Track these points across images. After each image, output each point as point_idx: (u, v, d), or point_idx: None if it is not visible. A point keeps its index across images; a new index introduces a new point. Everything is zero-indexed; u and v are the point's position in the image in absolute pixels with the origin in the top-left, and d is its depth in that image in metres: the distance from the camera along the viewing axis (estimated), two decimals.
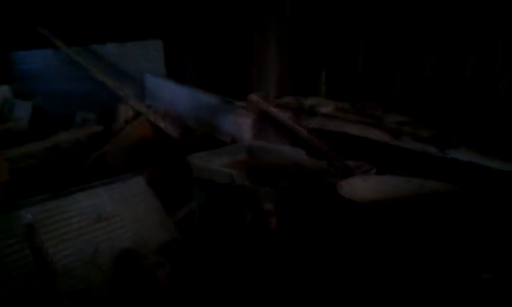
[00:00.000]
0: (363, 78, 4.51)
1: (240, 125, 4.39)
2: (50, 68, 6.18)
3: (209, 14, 5.70)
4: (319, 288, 2.85)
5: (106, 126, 5.30)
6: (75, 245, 3.02)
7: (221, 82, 5.55)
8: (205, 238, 3.68)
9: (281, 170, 3.54)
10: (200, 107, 4.89)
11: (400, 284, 2.36)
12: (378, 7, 4.33)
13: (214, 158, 3.63)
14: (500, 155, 3.30)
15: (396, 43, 4.24)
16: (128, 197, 3.44)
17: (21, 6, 6.35)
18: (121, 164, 4.75)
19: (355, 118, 4.02)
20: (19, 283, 2.75)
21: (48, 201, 3.10)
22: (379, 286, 2.43)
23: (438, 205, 2.75)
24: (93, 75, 5.66)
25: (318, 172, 3.44)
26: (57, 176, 4.47)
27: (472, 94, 3.84)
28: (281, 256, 3.15)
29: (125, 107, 5.29)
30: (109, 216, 3.26)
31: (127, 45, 6.03)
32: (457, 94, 3.93)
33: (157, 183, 3.82)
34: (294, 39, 4.84)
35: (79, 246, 3.03)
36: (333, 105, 4.25)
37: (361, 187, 2.82)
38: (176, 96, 5.21)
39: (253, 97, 4.28)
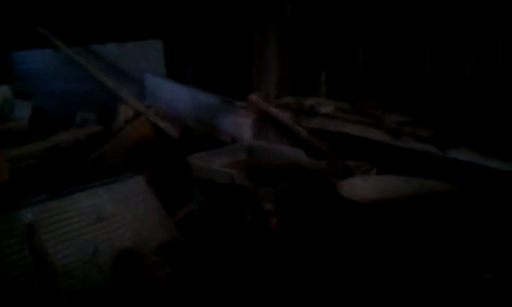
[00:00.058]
0: (363, 78, 4.51)
1: (240, 125, 4.39)
2: (50, 68, 6.18)
3: (209, 14, 5.69)
4: (319, 288, 2.85)
5: (106, 126, 5.31)
6: (75, 245, 3.02)
7: (221, 82, 5.55)
8: (205, 238, 3.68)
9: (281, 170, 3.54)
10: (200, 107, 4.89)
11: (401, 284, 2.36)
12: (378, 7, 4.33)
13: (214, 159, 3.64)
14: (500, 155, 3.29)
15: (396, 43, 4.24)
16: (128, 197, 3.43)
17: (21, 6, 6.35)
18: (121, 163, 4.75)
19: (355, 118, 4.02)
20: (19, 283, 2.75)
21: (49, 201, 3.09)
22: (380, 286, 2.43)
23: (438, 205, 2.75)
24: (93, 75, 5.65)
25: (318, 172, 3.44)
26: (57, 176, 4.47)
27: (472, 94, 3.84)
28: (282, 256, 3.15)
29: (125, 106, 5.29)
30: (109, 216, 3.26)
31: (127, 45, 6.03)
32: (457, 94, 3.93)
33: (157, 183, 3.82)
34: (294, 39, 4.84)
35: (79, 246, 3.03)
36: (333, 105, 4.25)
37: (361, 187, 2.82)
38: (176, 96, 5.21)
39: (253, 97, 4.28)
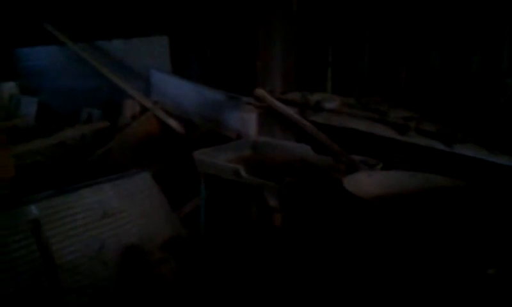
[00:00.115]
0: (369, 74, 4.49)
1: (245, 120, 4.39)
2: (55, 64, 6.20)
3: (215, 10, 5.69)
4: (324, 283, 2.84)
5: (112, 122, 5.32)
6: (81, 241, 3.04)
7: (227, 78, 5.55)
8: (210, 233, 3.68)
9: (287, 166, 3.54)
10: (206, 102, 4.90)
11: (406, 279, 2.36)
12: (385, 1, 4.31)
13: (220, 154, 3.64)
14: (507, 150, 3.28)
15: (402, 38, 4.22)
16: (134, 193, 3.45)
17: (27, 2, 6.37)
18: (127, 160, 4.76)
19: (361, 113, 4.00)
20: (26, 278, 2.77)
21: (54, 197, 3.11)
22: (385, 281, 2.43)
23: (444, 200, 2.75)
24: (98, 71, 5.66)
25: (324, 167, 3.44)
26: (63, 173, 4.49)
27: (479, 89, 3.82)
28: (286, 252, 3.15)
29: (131, 102, 5.30)
30: (115, 212, 3.27)
31: (133, 41, 6.04)
32: (463, 89, 3.91)
33: (163, 178, 3.83)
34: (300, 35, 4.83)
35: (85, 242, 3.05)
36: (338, 100, 4.23)
37: (367, 182, 2.81)
38: (182, 92, 5.21)
39: (260, 92, 4.27)
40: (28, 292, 2.75)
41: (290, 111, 4.15)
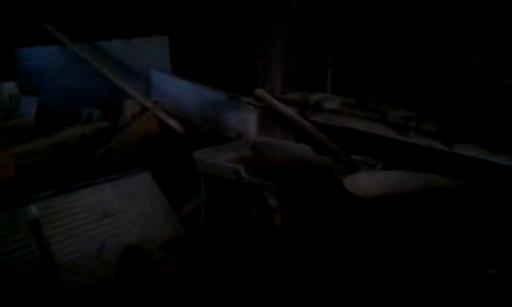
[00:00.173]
0: (369, 74, 4.49)
1: (245, 120, 4.39)
2: (55, 64, 6.20)
3: (215, 10, 5.69)
4: (324, 283, 2.85)
5: (112, 122, 5.32)
6: (81, 241, 3.04)
7: (227, 78, 5.55)
8: (210, 233, 3.69)
9: (287, 166, 3.55)
10: (206, 102, 4.90)
11: (406, 279, 2.36)
12: (385, 1, 4.31)
13: (220, 154, 3.64)
14: (507, 150, 3.28)
15: (402, 38, 4.22)
16: (134, 193, 3.45)
17: (27, 2, 6.37)
18: (127, 159, 4.76)
19: (361, 113, 4.00)
20: (26, 278, 2.77)
21: (54, 197, 3.11)
22: (385, 280, 2.43)
23: (444, 200, 2.75)
24: (98, 71, 5.66)
25: (324, 167, 3.44)
26: (63, 172, 4.49)
27: (479, 89, 3.82)
28: (286, 252, 3.15)
29: (131, 102, 5.30)
30: (115, 212, 3.27)
31: (133, 41, 6.04)
32: (463, 89, 3.91)
33: (163, 178, 3.83)
34: (300, 35, 4.83)
35: (85, 242, 3.05)
36: (338, 100, 4.23)
37: (367, 182, 2.81)
38: (182, 92, 5.21)
39: (260, 92, 4.27)
40: (28, 292, 2.75)
41: (290, 111, 4.15)
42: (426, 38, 4.10)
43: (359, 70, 4.57)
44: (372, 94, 4.38)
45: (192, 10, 5.93)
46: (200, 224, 3.70)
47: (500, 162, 3.24)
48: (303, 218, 3.13)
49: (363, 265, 2.55)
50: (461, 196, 2.69)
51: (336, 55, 4.76)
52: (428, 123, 3.69)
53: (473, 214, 2.55)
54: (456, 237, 2.24)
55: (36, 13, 6.25)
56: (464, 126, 3.56)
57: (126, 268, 3.12)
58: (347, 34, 4.62)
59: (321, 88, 4.76)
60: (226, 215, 3.96)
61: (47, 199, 3.07)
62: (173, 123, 5.12)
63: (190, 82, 5.24)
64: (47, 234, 2.83)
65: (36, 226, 2.75)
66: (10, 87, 5.97)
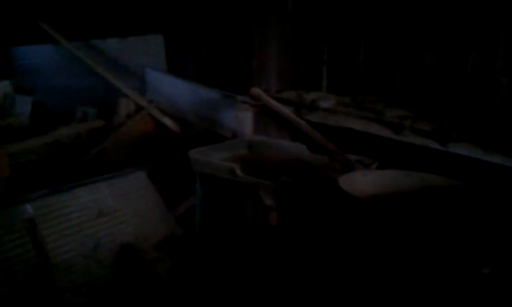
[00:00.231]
0: (364, 73, 4.49)
1: (241, 119, 4.39)
2: (50, 63, 6.18)
3: (210, 8, 5.68)
4: (319, 283, 2.85)
5: (107, 121, 5.31)
6: (75, 240, 3.03)
7: (222, 77, 5.54)
8: (206, 232, 3.68)
9: (283, 165, 3.55)
10: (201, 101, 4.89)
11: (401, 279, 2.36)
12: (380, 0, 4.32)
13: (215, 153, 3.64)
14: (501, 149, 3.29)
15: (397, 37, 4.22)
16: (129, 192, 3.44)
17: (21, 1, 6.34)
18: (122, 158, 4.75)
19: (356, 112, 4.01)
20: (21, 277, 2.77)
21: (49, 196, 3.11)
22: (380, 281, 2.44)
23: (439, 200, 2.76)
24: (93, 70, 5.65)
25: (319, 166, 3.45)
26: (57, 172, 4.48)
27: (474, 88, 3.83)
28: (282, 251, 3.16)
29: (126, 101, 5.29)
30: (110, 211, 3.27)
31: (128, 40, 6.02)
32: (458, 88, 3.92)
33: (158, 178, 3.82)
34: (296, 34, 4.83)
35: (80, 241, 3.05)
36: (334, 99, 4.23)
37: (362, 181, 2.82)
38: (177, 91, 5.20)
39: (255, 91, 4.27)
40: (23, 291, 2.75)
41: (286, 110, 4.15)
42: (421, 36, 4.10)
43: (354, 69, 4.57)
44: (368, 93, 4.39)
45: (187, 9, 5.92)
46: (195, 224, 3.70)
47: (495, 162, 3.25)
48: (299, 217, 3.13)
49: (359, 264, 2.55)
50: (456, 195, 2.70)
51: (331, 54, 4.76)
52: (423, 122, 3.70)
53: (468, 213, 2.56)
54: (451, 236, 2.25)
55: (31, 11, 6.23)
56: (459, 125, 3.57)
57: (121, 268, 3.12)
58: (342, 33, 4.62)
59: (317, 87, 4.76)
60: (222, 215, 3.96)
61: (42, 198, 3.06)
62: (168, 122, 5.11)
63: (185, 81, 5.23)
64: (42, 233, 2.82)
65: (31, 225, 2.75)
66: (4, 86, 5.95)
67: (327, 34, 4.73)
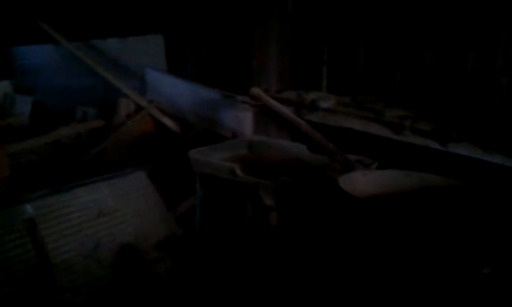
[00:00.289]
0: (364, 73, 4.49)
1: (241, 119, 4.38)
2: (50, 63, 6.18)
3: (210, 8, 5.68)
4: (319, 283, 2.85)
5: (107, 121, 5.31)
6: (75, 240, 3.03)
7: (222, 77, 5.54)
8: (206, 232, 3.68)
9: (283, 165, 3.55)
10: (201, 101, 4.89)
11: (401, 279, 2.36)
12: (380, 0, 4.32)
13: (215, 153, 3.64)
14: (501, 149, 3.29)
15: (397, 37, 4.22)
16: (129, 192, 3.44)
17: (22, 1, 6.34)
18: (122, 158, 4.75)
19: (356, 112, 4.01)
20: (21, 277, 2.77)
21: (49, 196, 3.11)
22: (380, 280, 2.44)
23: (439, 200, 2.76)
24: (93, 70, 5.65)
25: (319, 166, 3.45)
26: (57, 172, 4.48)
27: (474, 88, 3.83)
28: (282, 251, 3.16)
29: (126, 101, 5.29)
30: (110, 211, 3.27)
31: (128, 40, 6.02)
32: (458, 88, 3.92)
33: (158, 178, 3.82)
34: (296, 34, 4.83)
35: (80, 241, 3.05)
36: (334, 99, 4.23)
37: (362, 181, 2.82)
38: (177, 91, 5.20)
39: (255, 91, 4.28)
40: (23, 291, 2.75)
41: (286, 110, 4.15)
42: (421, 36, 4.10)
43: (354, 69, 4.57)
44: (368, 93, 4.39)
45: (187, 9, 5.92)
46: (195, 223, 3.70)
47: (495, 162, 3.25)
48: (299, 217, 3.13)
49: (359, 264, 2.55)
50: (456, 196, 2.70)
51: (331, 54, 4.76)
52: (423, 122, 3.70)
53: (468, 213, 2.56)
54: (451, 236, 2.25)
55: (31, 11, 6.23)
56: (459, 125, 3.56)
57: (121, 268, 3.12)
58: (342, 32, 4.62)
59: (317, 87, 4.76)
60: (222, 215, 3.96)
61: (42, 198, 3.06)
62: (168, 122, 5.11)
63: (185, 81, 5.23)
64: (42, 233, 2.83)
65: (31, 225, 2.75)
66: (4, 86, 5.95)
67: (327, 34, 4.73)
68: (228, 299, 3.05)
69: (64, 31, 6.00)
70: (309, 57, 4.87)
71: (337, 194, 2.58)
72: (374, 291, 2.46)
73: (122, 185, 3.44)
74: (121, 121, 5.18)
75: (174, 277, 3.15)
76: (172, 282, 3.12)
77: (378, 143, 3.73)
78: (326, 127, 3.95)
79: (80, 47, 5.89)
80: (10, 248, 2.81)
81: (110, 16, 6.29)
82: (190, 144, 3.88)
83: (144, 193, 3.53)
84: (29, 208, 2.95)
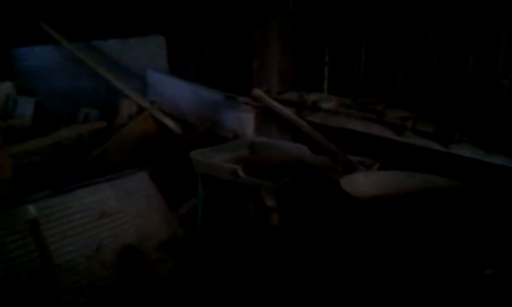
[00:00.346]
0: (366, 74, 4.49)
1: (242, 120, 4.39)
2: (52, 64, 6.18)
3: (211, 9, 5.69)
4: (321, 284, 2.85)
5: (109, 122, 5.31)
6: (78, 241, 3.04)
7: (224, 78, 5.55)
8: (208, 233, 3.69)
9: (284, 166, 3.55)
10: (202, 102, 4.90)
11: (403, 280, 2.37)
12: (381, 1, 4.32)
13: (217, 154, 3.65)
14: (503, 150, 3.29)
15: (398, 38, 4.23)
16: (132, 193, 3.45)
17: (23, 2, 6.35)
18: (124, 160, 4.76)
19: (357, 113, 4.01)
20: (24, 278, 2.78)
21: (52, 197, 3.11)
22: (382, 282, 2.44)
23: (441, 201, 2.76)
24: (95, 71, 5.66)
25: (321, 168, 3.45)
26: (59, 173, 4.48)
27: (475, 89, 3.83)
28: (284, 252, 3.16)
29: (127, 102, 5.30)
30: (113, 212, 3.27)
31: (130, 41, 6.03)
32: (459, 89, 3.92)
33: (160, 179, 3.83)
34: (297, 35, 4.83)
35: (83, 242, 3.05)
36: (335, 100, 4.23)
37: (364, 182, 2.82)
38: (179, 92, 5.21)
39: (257, 92, 4.28)
40: (26, 292, 2.75)
41: (287, 111, 4.16)
42: (423, 38, 4.11)
43: (355, 70, 4.57)
44: (369, 94, 4.39)
45: (188, 10, 5.92)
46: (197, 225, 3.70)
47: (497, 163, 3.25)
48: (300, 218, 3.13)
49: (360, 265, 2.56)
50: (458, 196, 2.70)
51: (332, 55, 4.77)
52: (425, 123, 3.70)
53: (470, 214, 2.56)
54: (453, 237, 2.25)
55: (32, 12, 6.24)
56: (461, 126, 3.57)
57: (124, 269, 3.12)
58: (343, 34, 4.62)
59: (318, 88, 4.77)
60: (224, 216, 3.96)
61: (44, 199, 3.07)
62: (170, 123, 5.12)
63: (187, 82, 5.24)
64: (44, 234, 2.83)
65: (34, 225, 2.75)
66: (7, 87, 5.96)
67: (328, 35, 4.73)
68: (230, 300, 3.05)
69: (65, 32, 6.00)
70: (310, 58, 4.87)
71: (339, 195, 2.58)
72: (376, 292, 2.46)
73: (124, 186, 3.44)
74: (123, 122, 5.18)
75: (176, 278, 3.16)
76: (174, 283, 3.13)
77: (380, 144, 3.74)
78: (327, 128, 3.96)
79: (81, 48, 5.89)
80: (13, 249, 2.81)
81: (111, 17, 6.30)
82: (192, 146, 3.89)
83: (147, 194, 3.53)
84: (31, 209, 2.95)
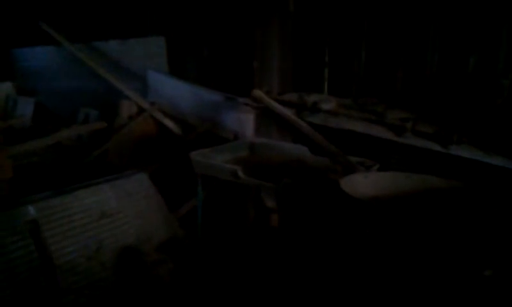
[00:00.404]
0: (365, 75, 4.50)
1: (242, 121, 4.39)
2: (52, 65, 6.19)
3: (212, 10, 5.69)
4: (321, 285, 2.85)
5: (109, 122, 5.31)
6: (78, 241, 3.04)
7: (224, 79, 5.55)
8: (208, 234, 3.69)
9: (284, 167, 3.55)
10: (203, 103, 4.90)
11: (402, 281, 2.37)
12: (381, 2, 4.32)
13: (217, 155, 3.65)
14: (502, 151, 3.29)
15: (398, 39, 4.23)
16: (132, 194, 3.45)
17: (24, 3, 6.36)
18: (124, 160, 4.76)
19: (357, 114, 4.01)
20: (24, 278, 2.77)
21: (52, 197, 3.11)
22: (381, 282, 2.44)
23: (440, 201, 2.76)
24: (95, 72, 5.66)
25: (321, 168, 3.45)
26: (59, 173, 4.49)
27: (475, 90, 3.83)
28: (284, 252, 3.16)
29: (128, 103, 5.30)
30: (113, 212, 3.27)
31: (130, 42, 6.03)
32: (459, 90, 3.92)
33: (160, 179, 3.83)
34: (297, 36, 4.83)
35: (83, 242, 3.05)
36: (335, 101, 4.24)
37: (364, 183, 2.82)
38: (179, 93, 5.21)
39: (257, 93, 4.28)
40: (26, 292, 2.75)
41: (287, 112, 4.16)
42: (423, 38, 4.11)
43: (355, 71, 4.57)
44: (369, 95, 4.39)
45: (189, 11, 5.92)
46: (197, 225, 3.70)
47: (496, 164, 3.25)
48: (300, 219, 3.14)
49: (360, 265, 2.56)
50: (458, 197, 2.70)
51: (332, 56, 4.77)
52: (425, 124, 3.70)
53: (470, 215, 2.56)
54: (452, 238, 2.25)
55: (33, 13, 6.25)
56: (460, 127, 3.57)
57: (123, 269, 3.12)
58: (343, 35, 4.63)
59: (318, 89, 4.77)
60: (224, 216, 3.96)
61: (44, 200, 3.07)
62: (170, 123, 5.12)
63: (187, 83, 5.24)
64: (45, 234, 2.83)
65: (34, 226, 2.76)
66: (7, 87, 5.97)
67: (328, 36, 4.73)
68: (230, 300, 3.05)
69: (66, 33, 6.01)
70: (310, 59, 4.87)
71: (338, 196, 2.58)
72: (375, 293, 2.46)
73: (125, 186, 3.44)
74: (123, 123, 5.19)
75: (176, 278, 3.16)
76: (174, 284, 3.13)
77: (379, 145, 3.74)
78: (327, 129, 3.96)
79: (81, 49, 5.90)
80: (13, 250, 2.81)
81: (112, 18, 6.30)
82: (192, 146, 3.89)
83: (146, 195, 3.53)
84: (31, 210, 2.95)
